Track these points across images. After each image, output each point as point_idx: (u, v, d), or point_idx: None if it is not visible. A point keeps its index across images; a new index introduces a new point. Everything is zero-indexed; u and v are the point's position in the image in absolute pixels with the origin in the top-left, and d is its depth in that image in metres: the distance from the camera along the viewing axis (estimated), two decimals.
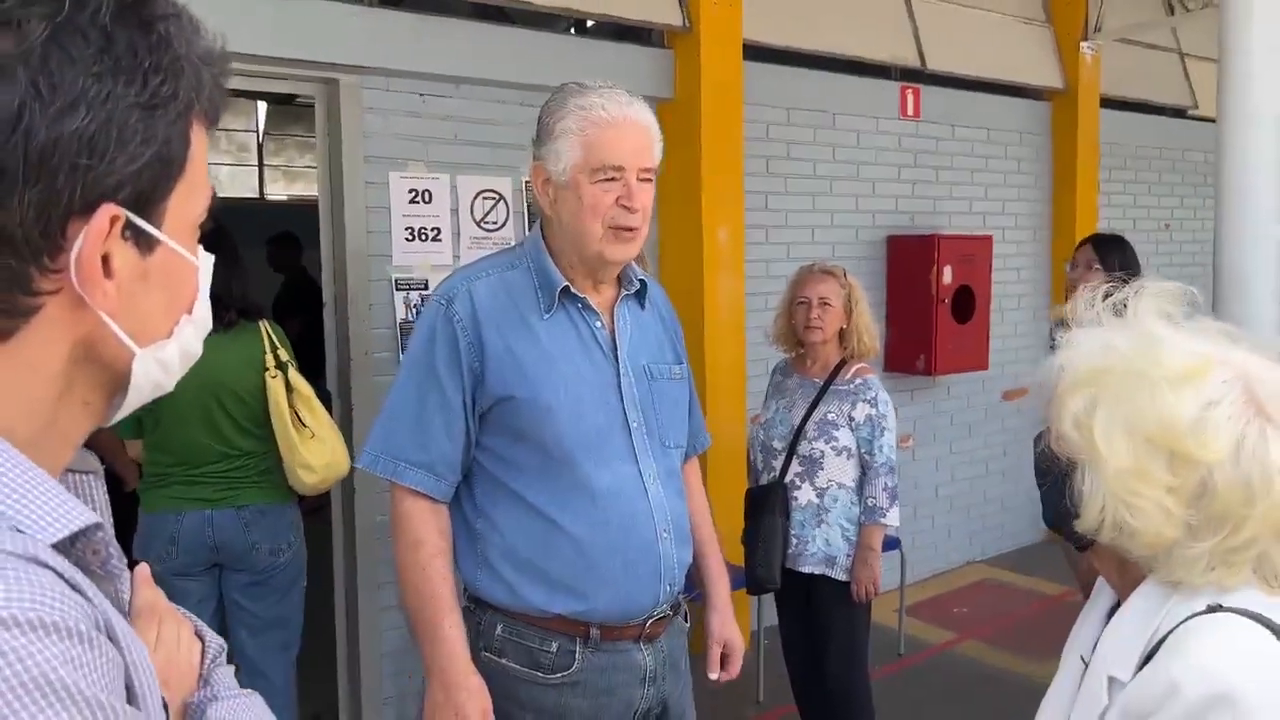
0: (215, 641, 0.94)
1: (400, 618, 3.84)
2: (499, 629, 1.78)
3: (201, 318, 0.75)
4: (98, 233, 0.62)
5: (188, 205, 0.70)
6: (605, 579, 1.75)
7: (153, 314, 0.70)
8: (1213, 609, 1.06)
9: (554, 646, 1.77)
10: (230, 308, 2.88)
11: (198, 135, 0.69)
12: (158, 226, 0.67)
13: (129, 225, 0.65)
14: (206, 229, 0.74)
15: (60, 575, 0.59)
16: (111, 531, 0.70)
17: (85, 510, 0.64)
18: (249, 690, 0.91)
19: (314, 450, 2.86)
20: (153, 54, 0.63)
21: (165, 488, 2.90)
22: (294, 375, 2.91)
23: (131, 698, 0.64)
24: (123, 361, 0.69)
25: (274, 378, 2.87)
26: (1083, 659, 1.25)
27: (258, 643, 2.99)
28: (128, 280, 0.66)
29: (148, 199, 0.65)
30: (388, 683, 3.85)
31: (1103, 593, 1.29)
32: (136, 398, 0.72)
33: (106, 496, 0.76)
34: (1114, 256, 3.74)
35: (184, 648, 0.89)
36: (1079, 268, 3.82)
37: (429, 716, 1.74)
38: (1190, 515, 1.04)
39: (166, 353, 0.71)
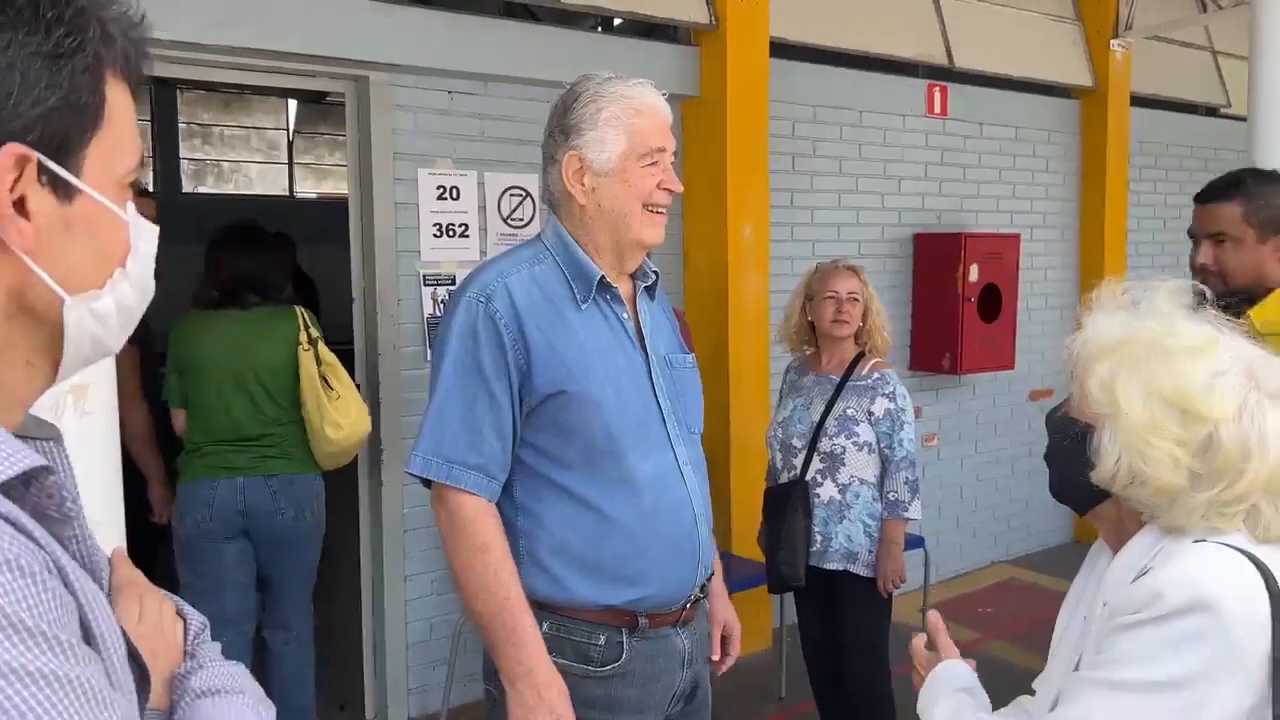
0: (197, 618, 0.95)
1: (427, 608, 3.88)
2: (545, 627, 1.76)
3: (139, 276, 0.76)
4: (1, 169, 0.64)
5: (111, 161, 0.72)
6: (656, 567, 1.77)
7: (80, 264, 0.71)
8: (1199, 541, 1.22)
9: (602, 639, 1.77)
10: (282, 287, 3.34)
11: (118, 93, 0.72)
12: (76, 175, 0.69)
13: (45, 171, 0.67)
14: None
15: (5, 519, 0.61)
16: (67, 481, 0.72)
17: (33, 454, 0.66)
18: (234, 661, 0.93)
19: (340, 408, 3.18)
20: (54, 7, 0.66)
21: (203, 458, 3.20)
22: (323, 349, 3.24)
23: (90, 641, 0.64)
24: (55, 312, 0.71)
25: (306, 351, 3.21)
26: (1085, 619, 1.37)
27: (278, 597, 3.34)
28: (47, 225, 0.68)
29: (62, 146, 0.68)
30: (413, 674, 3.89)
31: (1100, 555, 1.44)
32: (76, 353, 0.73)
33: (70, 462, 0.78)
34: None
35: (167, 623, 0.91)
36: None
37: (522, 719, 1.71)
38: (1196, 465, 1.20)
39: (101, 304, 0.73)
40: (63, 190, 0.69)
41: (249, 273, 3.26)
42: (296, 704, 3.39)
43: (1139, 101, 6.22)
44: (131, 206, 0.76)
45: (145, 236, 0.77)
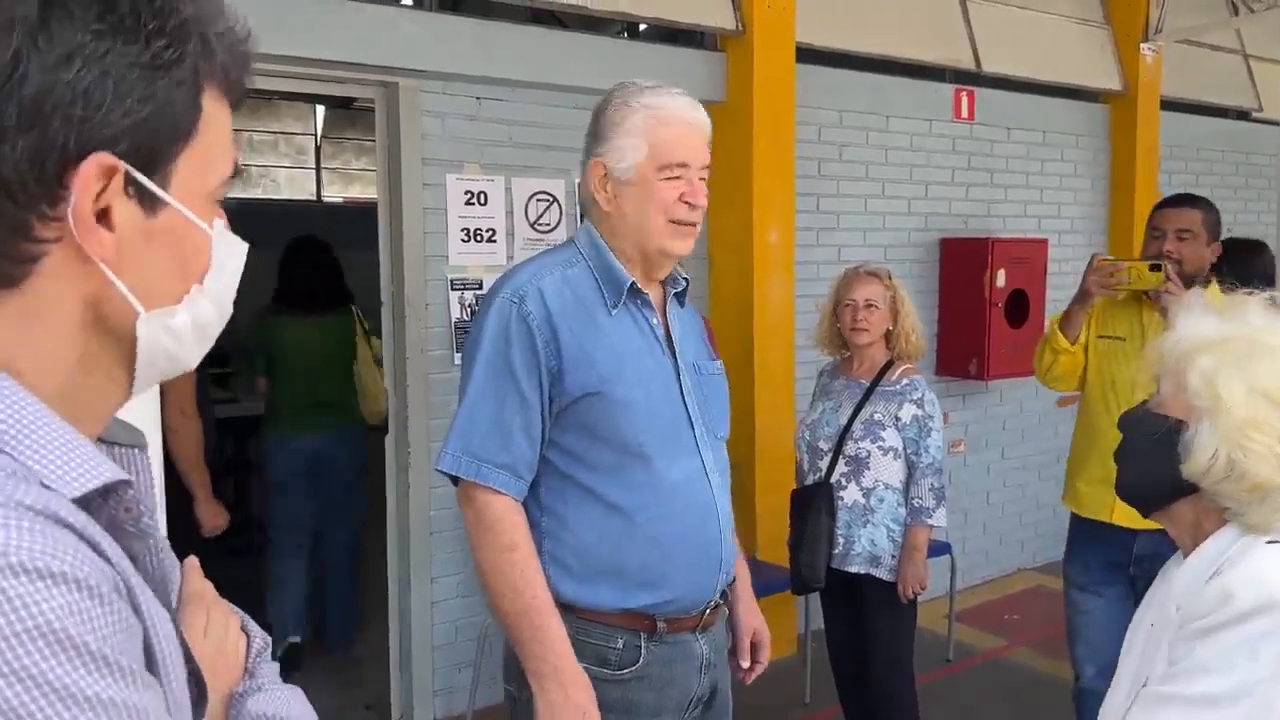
0: (259, 636, 0.94)
1: (453, 610, 3.91)
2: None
3: (217, 293, 0.74)
4: (87, 177, 0.63)
5: (201, 174, 0.71)
6: (679, 571, 1.77)
7: (159, 277, 0.70)
8: (1272, 542, 1.26)
9: (620, 642, 1.78)
10: (342, 292, 4.38)
11: (214, 106, 0.70)
12: (164, 189, 0.68)
13: (132, 182, 0.66)
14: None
15: (80, 535, 0.59)
16: (145, 495, 0.71)
17: (114, 467, 0.65)
18: (291, 685, 0.93)
19: (372, 377, 4.25)
20: (156, 18, 0.65)
21: (278, 419, 4.28)
22: (373, 339, 4.27)
23: (151, 666, 0.63)
24: (129, 325, 0.69)
25: (361, 339, 4.31)
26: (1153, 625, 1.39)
27: (329, 522, 4.38)
28: (130, 237, 0.66)
29: (150, 158, 0.66)
30: (438, 675, 3.92)
31: (1172, 569, 1.44)
32: (149, 366, 0.72)
33: (150, 471, 0.77)
34: (1228, 266, 3.62)
35: (231, 638, 0.90)
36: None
37: (549, 718, 1.71)
38: None
39: (176, 320, 0.71)
40: (148, 202, 0.67)
41: (319, 287, 4.30)
42: (345, 604, 4.49)
43: (1169, 105, 6.16)
44: (219, 222, 0.74)
45: (232, 252, 0.76)
